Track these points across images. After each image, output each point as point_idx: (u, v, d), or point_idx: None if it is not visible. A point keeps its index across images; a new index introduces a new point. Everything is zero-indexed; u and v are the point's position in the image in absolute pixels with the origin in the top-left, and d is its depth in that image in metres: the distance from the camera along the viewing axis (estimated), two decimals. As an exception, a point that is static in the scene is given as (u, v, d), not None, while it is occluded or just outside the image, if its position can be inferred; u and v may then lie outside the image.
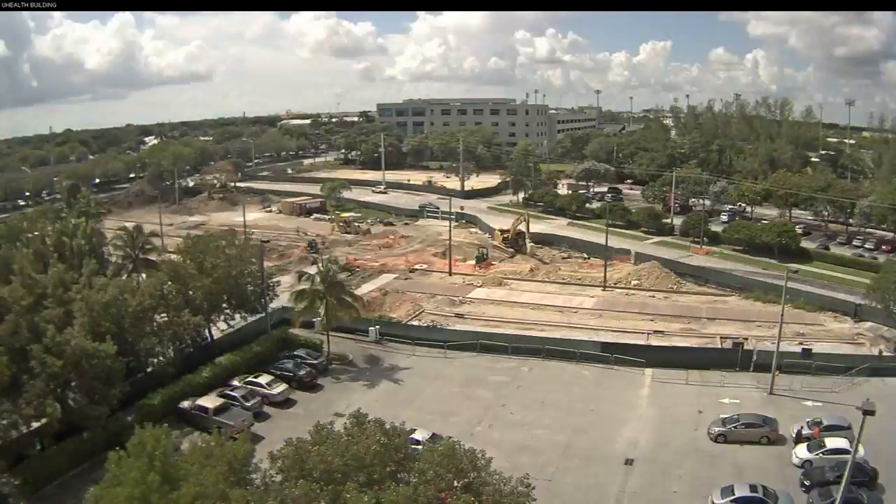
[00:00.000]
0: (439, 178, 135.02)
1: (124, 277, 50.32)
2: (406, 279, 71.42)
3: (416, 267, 76.01)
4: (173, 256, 50.58)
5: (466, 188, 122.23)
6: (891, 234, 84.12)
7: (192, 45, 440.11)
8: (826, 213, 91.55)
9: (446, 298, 64.01)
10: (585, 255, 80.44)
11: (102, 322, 35.44)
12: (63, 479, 33.54)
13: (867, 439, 27.37)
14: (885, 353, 48.55)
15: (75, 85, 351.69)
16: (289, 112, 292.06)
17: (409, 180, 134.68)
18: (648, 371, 46.63)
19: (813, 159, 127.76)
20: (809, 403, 41.22)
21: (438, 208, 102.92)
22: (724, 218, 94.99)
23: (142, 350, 40.17)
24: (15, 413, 32.05)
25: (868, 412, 24.73)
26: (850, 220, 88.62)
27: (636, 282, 69.25)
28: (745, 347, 48.02)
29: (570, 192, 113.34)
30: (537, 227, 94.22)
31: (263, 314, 50.94)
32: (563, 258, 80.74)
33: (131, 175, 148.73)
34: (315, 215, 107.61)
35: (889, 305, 51.75)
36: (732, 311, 60.44)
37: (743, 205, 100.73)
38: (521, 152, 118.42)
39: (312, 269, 51.72)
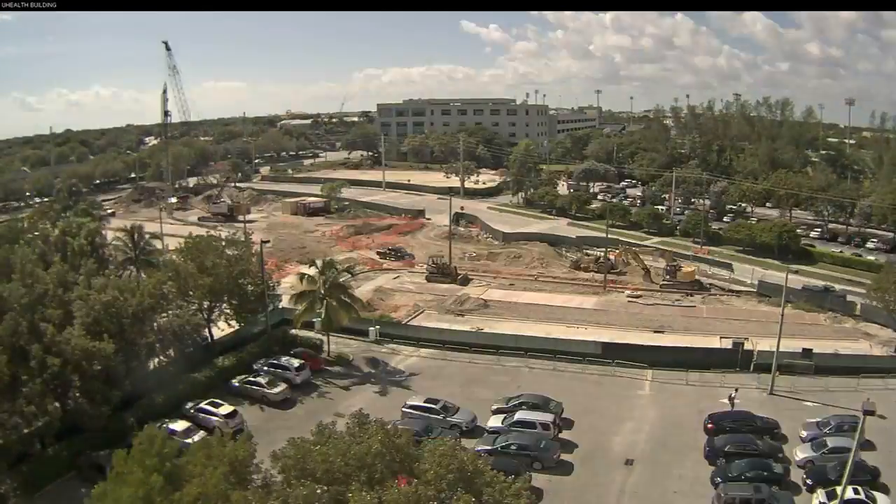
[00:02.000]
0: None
1: (125, 277, 50.27)
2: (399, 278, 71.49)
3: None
4: (174, 256, 50.58)
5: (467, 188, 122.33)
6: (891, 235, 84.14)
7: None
8: (826, 213, 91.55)
9: (447, 298, 64.00)
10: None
11: (102, 322, 35.43)
12: (63, 479, 33.57)
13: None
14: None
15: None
16: (289, 112, 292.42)
17: (409, 180, 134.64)
18: (648, 371, 46.67)
19: (813, 159, 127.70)
20: (809, 403, 41.23)
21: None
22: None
23: (142, 350, 40.19)
24: (15, 413, 32.07)
25: (868, 412, 24.76)
26: (851, 219, 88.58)
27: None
28: (745, 347, 48.00)
29: (570, 192, 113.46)
30: (539, 226, 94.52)
31: (264, 314, 50.97)
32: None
33: (132, 175, 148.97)
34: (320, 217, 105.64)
35: (889, 305, 51.77)
36: (733, 312, 60.43)
37: (743, 205, 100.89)
38: (523, 152, 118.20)
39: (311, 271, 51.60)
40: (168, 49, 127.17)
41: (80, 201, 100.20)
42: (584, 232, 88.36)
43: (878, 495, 30.51)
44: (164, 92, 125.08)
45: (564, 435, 38.35)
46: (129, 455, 22.16)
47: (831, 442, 34.87)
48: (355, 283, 67.67)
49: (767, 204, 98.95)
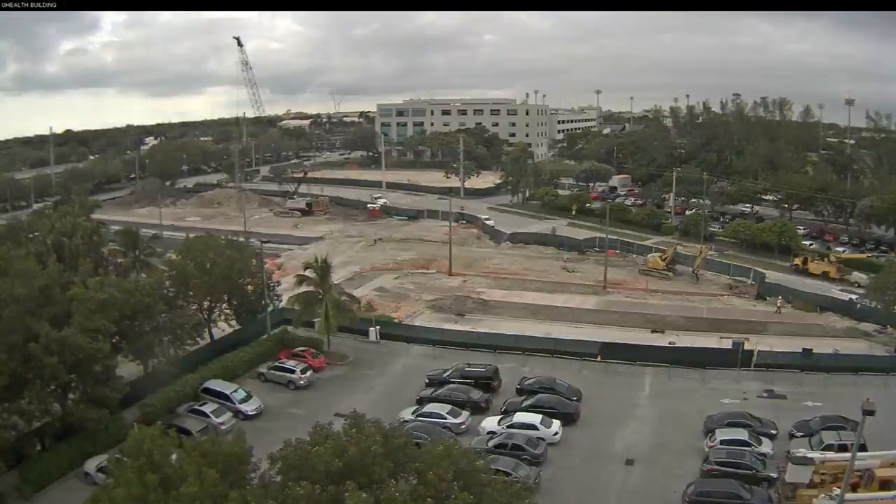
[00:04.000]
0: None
1: (130, 277, 50.28)
2: (404, 278, 71.48)
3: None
4: (173, 256, 50.55)
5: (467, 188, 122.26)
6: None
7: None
8: (826, 213, 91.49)
9: (446, 298, 63.98)
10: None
11: (100, 321, 35.39)
12: (63, 479, 33.53)
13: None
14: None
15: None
16: (289, 112, 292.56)
17: (408, 181, 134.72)
18: (649, 371, 46.63)
19: (813, 159, 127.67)
20: (809, 404, 41.17)
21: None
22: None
23: (141, 350, 40.12)
24: (15, 413, 32.05)
25: (868, 412, 24.63)
26: (850, 220, 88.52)
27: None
28: (746, 347, 47.96)
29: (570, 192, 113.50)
30: (539, 226, 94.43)
31: (263, 314, 50.91)
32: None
33: (132, 175, 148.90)
34: None
35: (889, 305, 51.70)
36: (733, 312, 60.43)
37: (747, 208, 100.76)
38: (519, 152, 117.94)
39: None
40: (240, 45, 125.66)
41: (77, 201, 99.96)
42: (584, 232, 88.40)
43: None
44: (253, 86, 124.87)
45: (565, 435, 38.31)
46: (121, 457, 22.16)
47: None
48: (356, 282, 67.93)
49: (766, 197, 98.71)
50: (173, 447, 23.23)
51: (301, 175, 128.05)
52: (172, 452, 22.87)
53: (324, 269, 50.20)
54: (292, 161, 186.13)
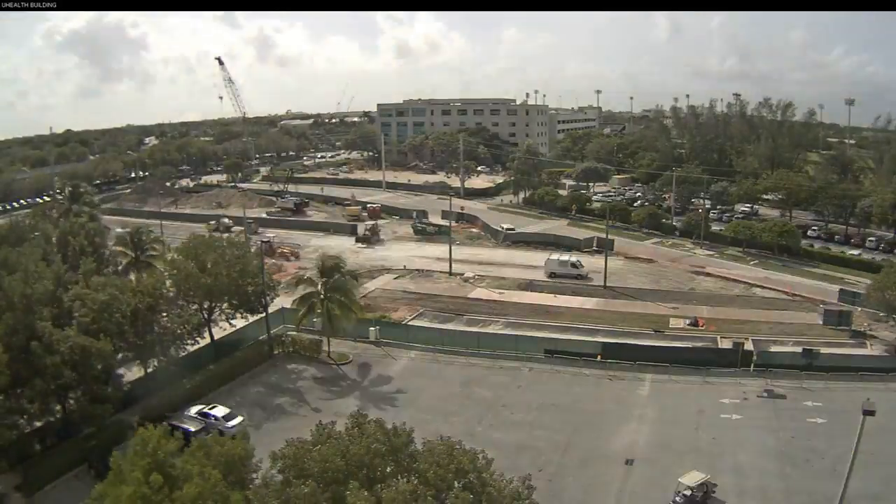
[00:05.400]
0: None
1: (130, 277, 50.34)
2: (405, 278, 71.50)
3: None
4: (174, 256, 50.57)
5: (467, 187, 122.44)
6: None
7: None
8: (826, 213, 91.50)
9: (447, 299, 64.00)
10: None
11: (100, 321, 35.43)
12: (64, 478, 33.58)
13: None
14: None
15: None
16: (289, 112, 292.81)
17: (409, 180, 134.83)
18: (649, 371, 46.66)
19: (814, 159, 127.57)
20: (809, 404, 41.24)
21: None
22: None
23: (143, 350, 40.16)
24: (16, 413, 32.10)
25: (868, 413, 24.74)
26: (851, 219, 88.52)
27: None
28: (745, 347, 48.02)
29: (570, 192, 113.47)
30: (539, 226, 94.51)
31: (264, 314, 50.92)
32: None
33: (132, 175, 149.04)
34: None
35: (892, 304, 51.61)
36: (732, 312, 60.40)
37: (751, 207, 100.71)
38: (526, 152, 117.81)
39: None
40: (221, 63, 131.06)
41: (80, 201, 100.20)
42: (584, 232, 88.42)
43: None
44: (236, 98, 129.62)
45: (563, 435, 38.35)
46: (125, 456, 22.21)
47: None
48: (356, 282, 67.90)
49: (766, 197, 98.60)
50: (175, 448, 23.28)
51: (288, 174, 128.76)
52: (175, 452, 22.92)
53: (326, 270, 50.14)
54: (286, 161, 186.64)
